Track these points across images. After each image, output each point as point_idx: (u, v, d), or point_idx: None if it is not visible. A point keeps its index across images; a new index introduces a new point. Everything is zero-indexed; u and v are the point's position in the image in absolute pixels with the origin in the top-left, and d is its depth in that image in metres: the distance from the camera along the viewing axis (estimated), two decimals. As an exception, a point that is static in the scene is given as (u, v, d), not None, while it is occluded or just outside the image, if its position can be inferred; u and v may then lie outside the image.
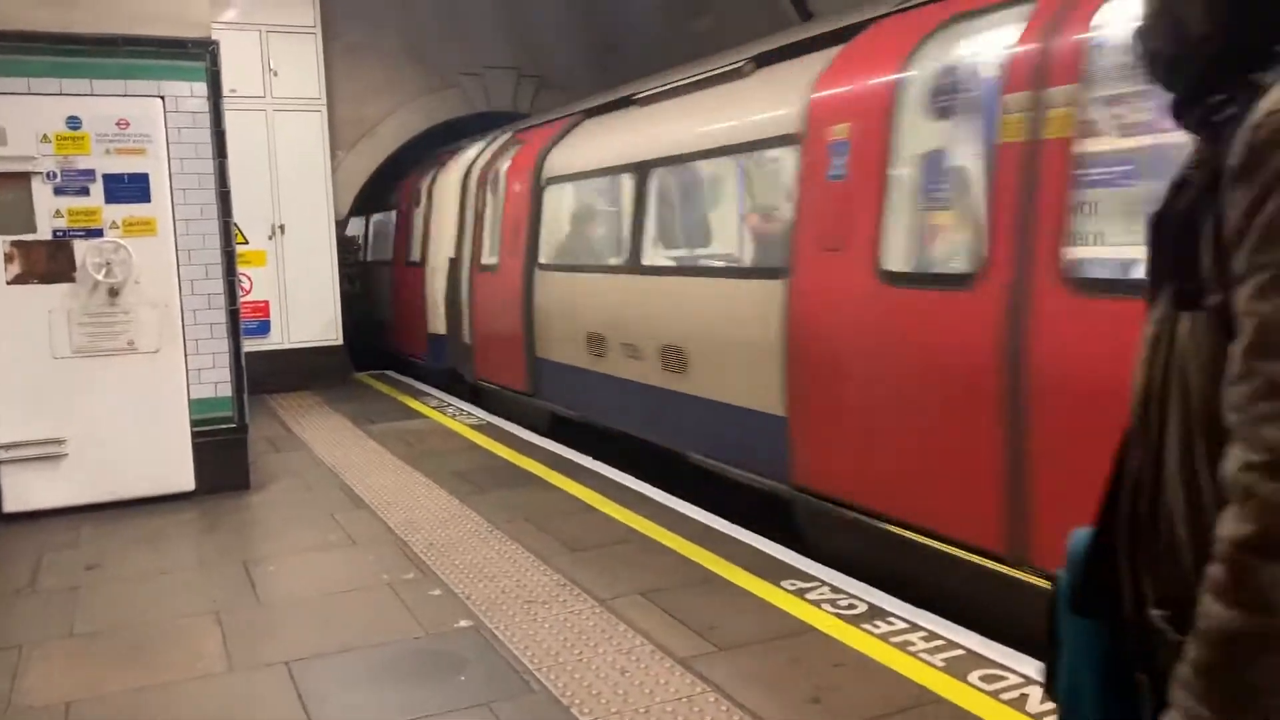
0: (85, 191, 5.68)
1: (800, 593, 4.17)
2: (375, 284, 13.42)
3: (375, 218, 13.71)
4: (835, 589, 4.21)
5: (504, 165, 9.10)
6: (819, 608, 4.01)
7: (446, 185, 10.50)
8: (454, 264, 9.89)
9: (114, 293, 5.71)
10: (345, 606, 4.27)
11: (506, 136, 9.72)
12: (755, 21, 9.20)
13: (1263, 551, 0.87)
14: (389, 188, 12.79)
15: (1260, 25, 1.05)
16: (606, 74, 10.51)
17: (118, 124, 5.73)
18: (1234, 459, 0.91)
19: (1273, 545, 0.86)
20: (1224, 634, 0.90)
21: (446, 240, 10.12)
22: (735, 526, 5.12)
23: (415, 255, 11.24)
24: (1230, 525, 0.90)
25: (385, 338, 12.94)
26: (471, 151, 10.36)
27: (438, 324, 10.43)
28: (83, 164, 5.66)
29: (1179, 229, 1.06)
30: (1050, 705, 3.18)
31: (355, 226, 14.07)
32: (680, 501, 5.63)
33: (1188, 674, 0.94)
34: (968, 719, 3.12)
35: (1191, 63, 1.11)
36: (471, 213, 9.62)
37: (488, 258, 9.12)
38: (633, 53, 11.48)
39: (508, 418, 8.45)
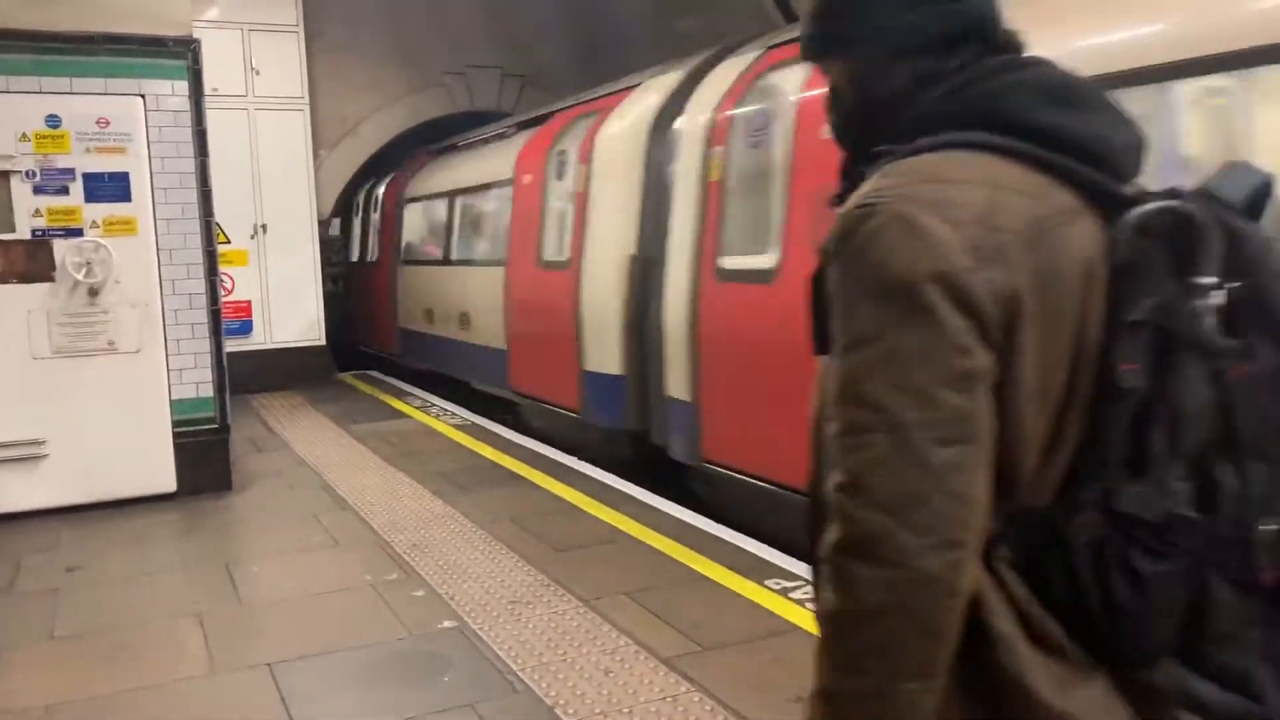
0: (65, 190, 5.64)
1: (784, 591, 4.18)
2: (408, 289, 11.40)
3: (414, 205, 11.54)
4: (819, 588, 4.21)
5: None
6: (803, 606, 4.02)
7: (619, 147, 6.86)
8: (644, 266, 6.43)
9: (94, 292, 5.67)
10: (328, 607, 4.26)
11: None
12: (740, 21, 9.22)
13: (847, 552, 1.08)
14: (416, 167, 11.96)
15: (875, 129, 1.26)
16: (592, 73, 10.50)
17: (98, 122, 5.69)
18: (831, 480, 1.12)
19: (853, 547, 1.08)
20: (829, 615, 1.11)
21: (621, 230, 6.69)
22: (720, 526, 5.13)
23: (551, 253, 7.73)
24: (830, 532, 1.11)
25: (412, 355, 11.42)
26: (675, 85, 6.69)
27: (601, 357, 6.83)
28: (62, 163, 5.62)
29: (814, 289, 1.23)
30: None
31: (350, 221, 14.03)
32: (665, 501, 5.64)
33: (815, 648, 1.15)
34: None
35: (843, 141, 1.36)
36: (695, 185, 5.82)
37: (744, 257, 5.43)
38: (618, 52, 11.48)
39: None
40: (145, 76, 5.85)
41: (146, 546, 5.20)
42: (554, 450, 7.06)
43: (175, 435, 5.95)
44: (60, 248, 5.62)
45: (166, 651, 3.85)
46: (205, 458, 6.07)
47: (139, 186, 5.79)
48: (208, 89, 6.11)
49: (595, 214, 6.91)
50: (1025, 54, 1.27)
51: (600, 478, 6.24)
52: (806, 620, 3.89)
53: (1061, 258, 1.11)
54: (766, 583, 4.28)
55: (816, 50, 1.33)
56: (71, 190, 5.64)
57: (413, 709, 3.30)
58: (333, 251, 12.75)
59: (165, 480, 5.94)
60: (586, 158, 7.13)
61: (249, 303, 10.31)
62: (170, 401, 5.94)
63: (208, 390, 6.09)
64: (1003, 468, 1.11)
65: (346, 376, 11.28)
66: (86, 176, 5.67)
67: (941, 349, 1.06)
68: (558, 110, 8.58)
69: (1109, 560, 1.08)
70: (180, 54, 5.93)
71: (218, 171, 6.19)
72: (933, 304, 1.06)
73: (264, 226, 10.33)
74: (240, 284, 10.21)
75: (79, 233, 5.66)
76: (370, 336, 12.98)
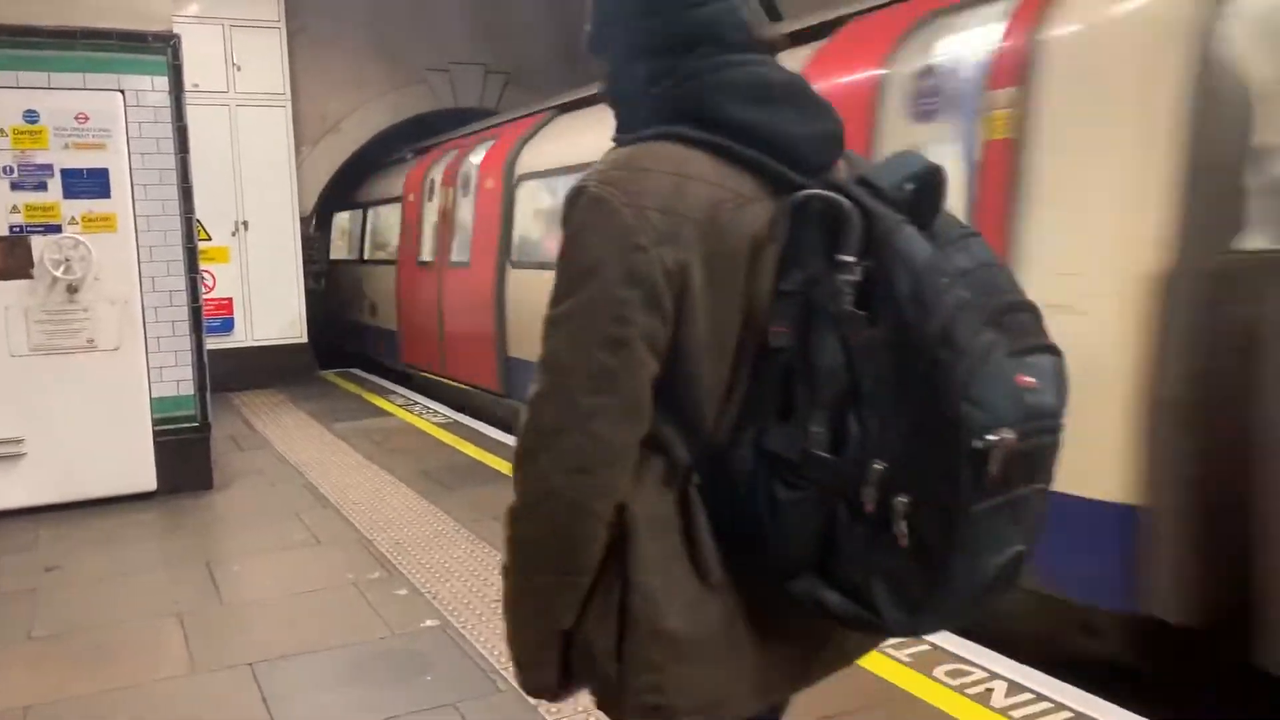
0: (43, 186, 5.58)
1: (767, 590, 4.18)
2: (522, 303, 8.06)
3: (533, 183, 8.21)
4: (802, 586, 4.22)
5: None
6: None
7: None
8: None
9: (73, 289, 5.62)
10: (310, 607, 4.24)
11: None
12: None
13: (515, 462, 1.36)
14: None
15: (624, 117, 1.47)
16: (576, 71, 10.48)
17: (76, 118, 5.63)
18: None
19: (517, 458, 1.36)
20: (508, 508, 1.38)
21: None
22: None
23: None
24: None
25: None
26: None
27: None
28: (40, 159, 5.57)
29: None
30: (1016, 699, 3.23)
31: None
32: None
33: None
34: (933, 714, 3.15)
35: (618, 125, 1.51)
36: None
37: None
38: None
39: None
40: (125, 72, 5.79)
41: (126, 546, 5.16)
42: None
43: (155, 433, 5.91)
44: (39, 244, 5.57)
45: (146, 651, 3.83)
46: (186, 456, 6.03)
47: (119, 183, 5.74)
48: (188, 85, 6.07)
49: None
50: (760, 56, 1.40)
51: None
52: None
53: (732, 237, 1.30)
54: (750, 580, 4.28)
55: (586, 49, 1.52)
56: (50, 186, 5.59)
57: (395, 708, 3.29)
58: (313, 249, 12.68)
59: (145, 479, 5.90)
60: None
61: (230, 300, 10.24)
62: (150, 399, 5.89)
63: (188, 388, 6.04)
64: (688, 410, 1.33)
65: (329, 374, 11.23)
66: (65, 172, 5.61)
67: (602, 316, 1.27)
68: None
69: (757, 489, 1.29)
70: (160, 49, 5.88)
71: (198, 168, 6.14)
72: (606, 274, 1.27)
73: (245, 223, 10.26)
74: (221, 281, 10.15)
75: (57, 229, 5.60)
76: (423, 359, 10.34)
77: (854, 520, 1.27)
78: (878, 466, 1.24)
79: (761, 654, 1.39)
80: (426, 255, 9.88)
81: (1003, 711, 3.13)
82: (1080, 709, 3.12)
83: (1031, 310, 1.34)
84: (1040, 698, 3.21)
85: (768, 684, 1.43)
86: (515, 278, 8.01)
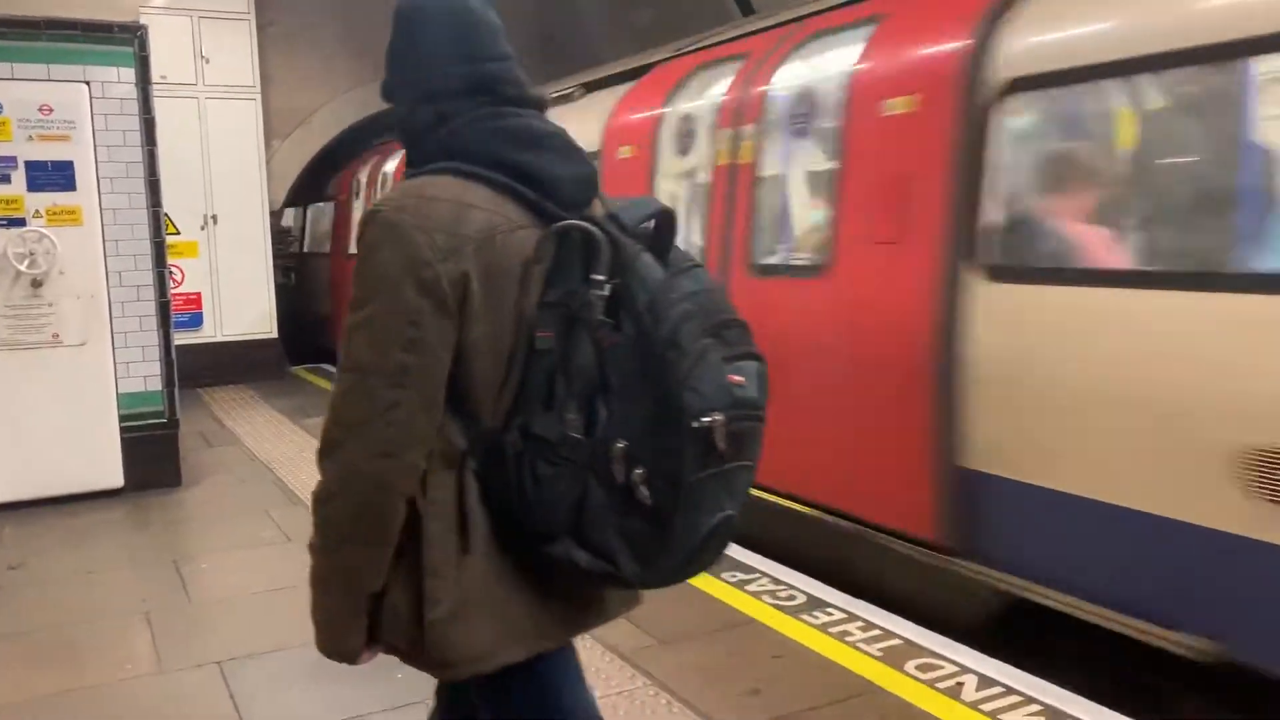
0: (6, 179, 5.50)
1: (740, 584, 4.20)
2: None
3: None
4: (775, 580, 4.24)
5: None
6: (759, 599, 4.03)
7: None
8: None
9: (37, 284, 5.54)
10: (279, 605, 4.19)
11: None
12: (696, 14, 9.21)
13: (321, 452, 1.58)
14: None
15: (414, 152, 1.72)
16: (547, 65, 10.46)
17: (40, 110, 5.55)
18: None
19: (323, 449, 1.57)
20: (314, 494, 1.62)
21: None
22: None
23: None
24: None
25: None
26: None
27: None
28: (3, 150, 5.48)
29: None
30: (986, 693, 3.25)
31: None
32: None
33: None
34: (904, 708, 3.16)
35: (409, 158, 1.76)
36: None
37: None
38: (573, 43, 11.43)
39: None
40: (90, 63, 5.72)
41: (92, 543, 5.10)
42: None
43: (122, 430, 5.84)
44: (2, 238, 5.48)
45: (113, 650, 3.78)
46: (153, 453, 5.96)
47: (84, 175, 5.66)
48: (156, 76, 6.00)
49: None
50: (526, 109, 1.70)
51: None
52: (763, 613, 3.90)
53: (505, 256, 1.58)
54: (723, 576, 4.29)
55: (382, 97, 1.76)
56: (13, 179, 5.51)
57: (365, 707, 3.26)
58: (283, 243, 12.58)
59: (112, 476, 5.83)
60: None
61: (199, 295, 10.13)
62: (117, 395, 5.82)
63: (156, 384, 5.97)
64: (469, 402, 1.59)
65: (300, 370, 11.14)
66: (29, 165, 5.53)
67: (399, 321, 1.51)
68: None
69: (523, 467, 1.56)
70: (126, 40, 5.80)
71: (166, 161, 6.07)
72: (400, 288, 1.51)
73: (214, 217, 10.15)
74: (190, 276, 10.03)
75: (21, 222, 5.52)
76: None
77: (601, 490, 1.56)
78: (620, 445, 1.54)
79: (529, 610, 1.65)
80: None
81: (973, 706, 3.15)
82: (1051, 703, 3.15)
83: (742, 326, 1.65)
84: (1010, 691, 3.23)
85: (539, 634, 1.68)
86: None
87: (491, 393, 1.60)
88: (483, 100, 1.66)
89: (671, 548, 1.57)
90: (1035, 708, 3.12)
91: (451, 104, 1.66)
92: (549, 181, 1.65)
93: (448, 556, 1.58)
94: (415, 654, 1.64)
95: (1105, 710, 3.10)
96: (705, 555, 1.65)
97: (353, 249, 7.90)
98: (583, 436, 1.55)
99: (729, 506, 1.61)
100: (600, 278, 1.56)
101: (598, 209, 1.70)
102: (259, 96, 10.47)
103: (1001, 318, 3.61)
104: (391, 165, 10.21)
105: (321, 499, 1.59)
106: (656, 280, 1.58)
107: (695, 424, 1.51)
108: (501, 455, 1.58)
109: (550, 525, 1.58)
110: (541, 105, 1.75)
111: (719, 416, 1.52)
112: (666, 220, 1.67)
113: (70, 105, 5.63)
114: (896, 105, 4.08)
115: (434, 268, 1.51)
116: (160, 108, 6.00)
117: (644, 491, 1.53)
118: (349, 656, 1.69)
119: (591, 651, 3.60)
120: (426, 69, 1.68)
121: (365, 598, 1.61)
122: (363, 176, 11.11)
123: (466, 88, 1.66)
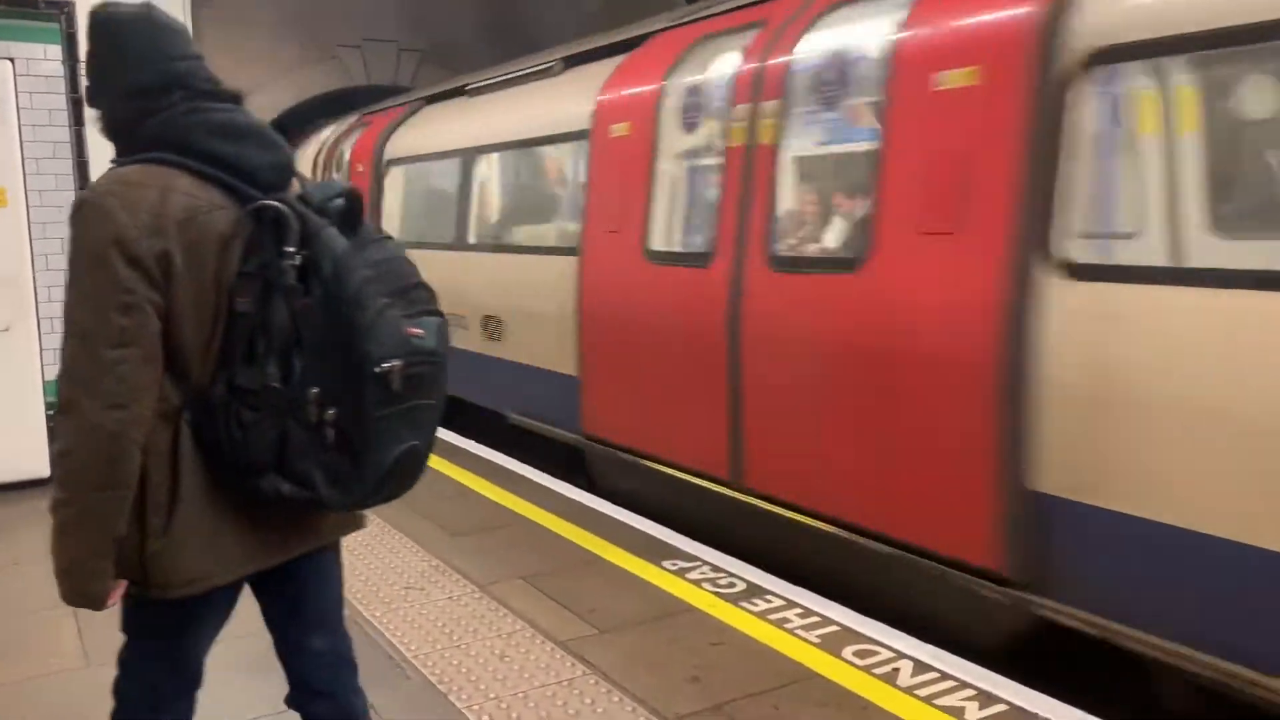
0: (-75, 158, 5.31)
1: (681, 572, 4.20)
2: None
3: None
4: (715, 568, 4.25)
5: None
6: (699, 587, 4.05)
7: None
8: None
9: (-41, 267, 5.36)
10: (213, 596, 4.11)
11: None
12: (645, 4, 9.18)
13: (58, 410, 1.77)
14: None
15: (121, 143, 1.94)
16: (496, 49, 10.34)
17: (-39, 87, 5.37)
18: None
19: (60, 407, 1.76)
20: (55, 452, 1.81)
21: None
22: (616, 507, 5.12)
23: None
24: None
25: None
26: None
27: None
28: (-78, 129, 5.30)
29: None
30: (922, 678, 3.29)
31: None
32: (560, 482, 5.61)
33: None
34: (841, 694, 3.19)
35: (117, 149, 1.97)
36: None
37: None
38: (522, 29, 11.32)
39: None
40: (14, 39, 5.54)
41: (17, 534, 4.95)
42: (448, 433, 6.96)
43: (49, 418, 5.67)
44: (-80, 219, 5.30)
45: (39, 645, 3.68)
46: (82, 441, 5.80)
47: (7, 156, 5.48)
48: (84, 54, 5.82)
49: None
50: (221, 102, 1.97)
51: (495, 459, 6.18)
52: (703, 600, 3.92)
53: (205, 234, 1.84)
54: (664, 564, 4.30)
55: (88, 102, 2.01)
56: (-67, 158, 5.32)
57: (301, 698, 3.20)
58: None
59: (38, 465, 5.64)
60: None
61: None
62: (44, 382, 5.65)
63: (84, 371, 5.81)
64: (180, 362, 1.84)
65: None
66: (-51, 144, 5.35)
67: (113, 288, 1.75)
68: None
69: (230, 414, 1.84)
70: (53, 17, 5.63)
71: (96, 142, 5.89)
72: (111, 260, 1.74)
73: (147, 201, 9.91)
74: (121, 260, 9.80)
75: (-59, 203, 5.34)
76: None
77: (300, 430, 1.85)
78: (314, 391, 1.84)
79: (238, 538, 1.94)
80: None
81: (908, 690, 3.20)
82: (984, 687, 3.20)
83: (427, 288, 1.98)
84: (945, 676, 3.28)
85: (248, 558, 1.97)
86: None
87: (199, 353, 1.86)
88: (182, 94, 1.91)
89: (364, 475, 1.88)
90: (969, 692, 3.17)
91: (151, 100, 1.89)
92: (247, 169, 1.90)
93: (162, 498, 1.84)
94: (142, 583, 1.89)
95: (1032, 692, 3.16)
96: (394, 480, 1.95)
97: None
98: (281, 386, 1.84)
99: (411, 438, 1.92)
100: (291, 249, 1.84)
101: (295, 189, 1.97)
102: (194, 77, 10.22)
103: (1085, 322, 3.14)
104: (350, 145, 10.07)
105: (64, 454, 1.76)
106: (341, 250, 1.86)
107: (376, 370, 1.80)
108: (210, 405, 1.85)
109: (256, 462, 1.86)
110: (237, 99, 2.02)
111: (397, 363, 1.82)
112: (353, 198, 1.95)
113: (-8, 82, 5.44)
114: (952, 78, 3.54)
115: (140, 244, 1.76)
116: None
117: (334, 429, 1.84)
118: (97, 600, 1.90)
119: (531, 642, 3.59)
120: (127, 70, 1.91)
121: (111, 541, 1.81)
122: (320, 157, 10.89)
123: (163, 84, 1.90)
